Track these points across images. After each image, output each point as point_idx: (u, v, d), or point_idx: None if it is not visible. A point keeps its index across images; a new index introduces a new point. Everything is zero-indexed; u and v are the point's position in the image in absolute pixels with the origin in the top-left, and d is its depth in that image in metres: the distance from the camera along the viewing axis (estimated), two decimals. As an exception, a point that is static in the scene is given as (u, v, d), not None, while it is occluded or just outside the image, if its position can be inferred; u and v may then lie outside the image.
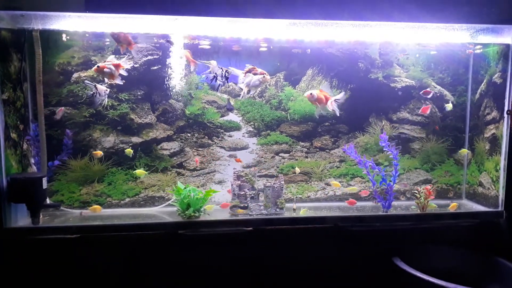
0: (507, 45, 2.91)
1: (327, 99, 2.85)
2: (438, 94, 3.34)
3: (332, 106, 2.84)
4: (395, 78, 3.29)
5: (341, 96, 2.87)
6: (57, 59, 2.90)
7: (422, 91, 3.26)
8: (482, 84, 3.20)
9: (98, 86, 2.74)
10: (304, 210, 2.99)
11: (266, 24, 2.64)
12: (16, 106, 2.65)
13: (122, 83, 2.78)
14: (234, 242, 2.76)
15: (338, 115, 2.91)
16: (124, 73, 2.74)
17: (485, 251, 2.91)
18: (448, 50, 3.28)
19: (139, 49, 2.89)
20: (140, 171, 3.00)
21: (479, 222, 3.01)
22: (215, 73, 2.79)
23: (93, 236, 2.62)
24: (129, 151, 2.98)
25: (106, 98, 2.82)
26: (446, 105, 3.27)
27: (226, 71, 2.79)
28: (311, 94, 2.82)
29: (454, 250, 2.96)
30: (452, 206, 3.07)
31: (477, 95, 3.27)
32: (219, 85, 2.85)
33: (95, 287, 2.67)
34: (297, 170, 3.23)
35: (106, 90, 2.79)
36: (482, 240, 2.97)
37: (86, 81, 2.80)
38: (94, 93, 2.72)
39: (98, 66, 2.64)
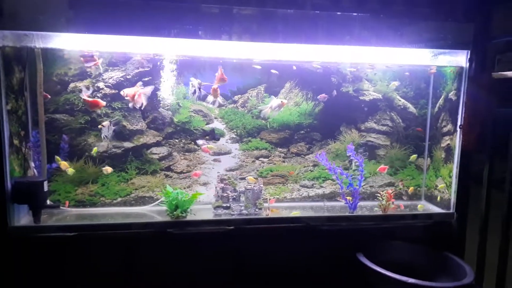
0: (461, 67, 3.29)
1: (133, 96, 3.14)
2: (403, 106, 3.72)
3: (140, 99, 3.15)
4: (364, 92, 3.65)
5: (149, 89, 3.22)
6: (55, 70, 3.12)
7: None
8: (440, 99, 3.58)
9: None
10: (295, 213, 3.29)
11: (250, 46, 3.00)
12: (18, 115, 2.88)
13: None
14: (217, 239, 3.07)
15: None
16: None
17: (438, 248, 3.30)
18: (412, 68, 3.64)
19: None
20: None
21: (434, 222, 3.41)
22: (194, 87, 3.24)
23: (88, 233, 2.88)
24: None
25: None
26: None
27: (199, 83, 3.23)
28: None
29: (411, 246, 3.32)
30: (420, 207, 3.52)
31: (436, 109, 3.65)
32: (198, 96, 3.29)
33: (92, 281, 2.96)
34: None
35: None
36: (436, 237, 3.36)
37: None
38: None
39: (91, 104, 3.08)
